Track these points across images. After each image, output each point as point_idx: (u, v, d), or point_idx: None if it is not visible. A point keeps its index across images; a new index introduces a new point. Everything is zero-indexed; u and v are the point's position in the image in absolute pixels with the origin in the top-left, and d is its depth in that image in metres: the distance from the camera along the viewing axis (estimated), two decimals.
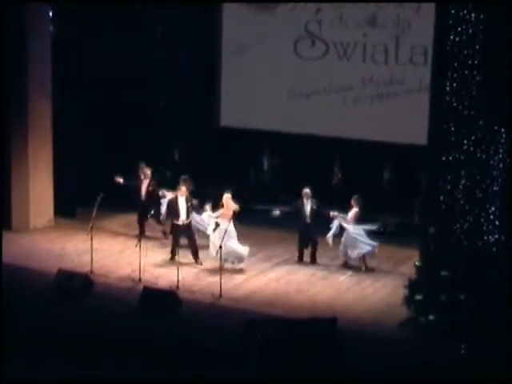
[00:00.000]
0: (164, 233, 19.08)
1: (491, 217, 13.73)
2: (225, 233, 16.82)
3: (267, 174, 22.23)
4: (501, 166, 13.67)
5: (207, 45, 21.85)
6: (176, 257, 17.70)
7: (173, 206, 17.92)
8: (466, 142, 13.83)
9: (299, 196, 18.05)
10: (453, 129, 13.88)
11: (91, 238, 17.35)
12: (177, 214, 17.75)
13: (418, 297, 14.41)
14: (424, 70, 19.21)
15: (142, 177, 20.32)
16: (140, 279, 16.70)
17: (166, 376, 12.98)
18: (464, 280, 13.85)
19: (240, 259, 17.45)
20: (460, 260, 13.91)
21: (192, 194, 18.18)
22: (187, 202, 17.80)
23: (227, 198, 17.55)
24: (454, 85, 13.78)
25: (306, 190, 17.95)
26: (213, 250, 17.24)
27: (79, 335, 14.16)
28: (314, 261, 17.99)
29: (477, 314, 13.79)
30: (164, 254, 18.08)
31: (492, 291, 13.73)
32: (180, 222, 17.72)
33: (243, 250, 17.45)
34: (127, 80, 21.34)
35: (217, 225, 17.58)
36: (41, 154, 19.72)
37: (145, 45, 21.67)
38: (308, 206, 17.94)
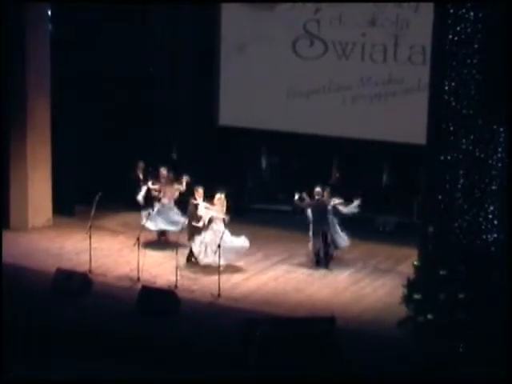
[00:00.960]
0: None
1: (490, 216, 13.74)
2: (222, 234, 16.81)
3: (266, 174, 22.24)
4: (499, 165, 13.67)
5: (206, 44, 21.84)
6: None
7: (193, 208, 17.83)
8: (464, 141, 13.83)
9: (310, 195, 17.92)
10: (451, 128, 13.89)
11: (90, 237, 17.35)
12: (198, 216, 17.71)
13: (417, 296, 14.41)
14: (423, 69, 19.18)
15: (141, 176, 20.34)
16: (138, 278, 16.70)
17: (164, 375, 12.97)
18: (463, 279, 13.86)
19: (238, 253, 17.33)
20: (458, 259, 13.91)
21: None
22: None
23: (219, 199, 17.43)
24: (453, 84, 13.78)
25: (318, 189, 17.86)
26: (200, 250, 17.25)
27: (77, 334, 14.15)
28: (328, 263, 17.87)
29: (475, 313, 13.79)
30: (162, 253, 18.07)
31: (491, 290, 13.73)
32: (201, 224, 17.62)
33: (242, 242, 17.30)
34: (126, 79, 21.35)
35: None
36: (39, 152, 19.71)
37: (143, 44, 21.67)
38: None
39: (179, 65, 22.14)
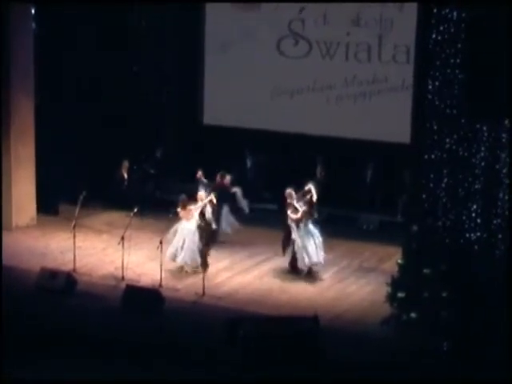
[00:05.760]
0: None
1: (473, 215, 13.80)
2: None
3: (251, 173, 22.25)
4: (483, 164, 13.74)
5: (190, 43, 21.86)
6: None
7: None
8: (448, 140, 13.89)
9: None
10: (435, 127, 13.94)
11: (74, 236, 17.31)
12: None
13: (401, 294, 14.45)
14: (407, 68, 19.32)
15: (126, 175, 20.32)
16: (123, 277, 16.69)
17: (149, 374, 12.97)
18: (446, 278, 13.92)
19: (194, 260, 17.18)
20: (442, 258, 13.97)
21: None
22: None
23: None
24: (437, 83, 13.83)
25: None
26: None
27: (62, 334, 14.13)
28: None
29: (459, 311, 13.85)
30: (146, 251, 18.04)
31: (474, 288, 13.80)
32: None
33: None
34: (110, 78, 21.34)
35: None
36: (23, 151, 19.63)
37: (128, 43, 21.68)
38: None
39: (163, 64, 22.15)
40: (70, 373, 12.87)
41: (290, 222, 17.05)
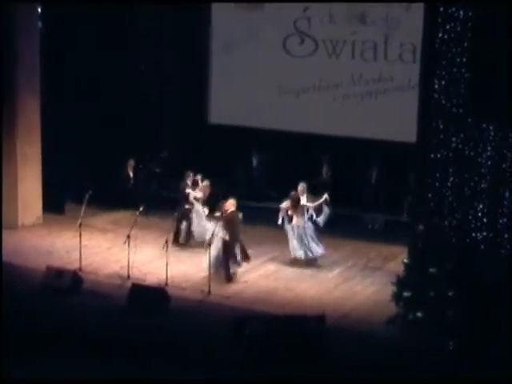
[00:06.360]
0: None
1: (479, 214, 13.78)
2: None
3: (256, 172, 22.25)
4: (489, 163, 13.72)
5: (196, 42, 21.87)
6: None
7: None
8: (454, 139, 13.87)
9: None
10: (441, 126, 13.92)
11: (80, 235, 17.33)
12: None
13: (406, 294, 14.44)
14: (413, 67, 19.24)
15: (131, 174, 20.25)
16: (128, 276, 16.69)
17: (154, 373, 12.97)
18: (452, 277, 13.90)
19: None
20: (448, 257, 13.96)
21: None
22: None
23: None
24: (443, 82, 13.82)
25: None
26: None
27: (68, 332, 14.13)
28: None
29: (465, 310, 13.84)
30: (152, 250, 18.04)
31: (480, 288, 13.79)
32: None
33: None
34: (116, 78, 21.34)
35: None
36: (29, 150, 19.67)
37: (133, 42, 21.68)
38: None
39: (169, 64, 22.15)
40: (74, 371, 12.84)
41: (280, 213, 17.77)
